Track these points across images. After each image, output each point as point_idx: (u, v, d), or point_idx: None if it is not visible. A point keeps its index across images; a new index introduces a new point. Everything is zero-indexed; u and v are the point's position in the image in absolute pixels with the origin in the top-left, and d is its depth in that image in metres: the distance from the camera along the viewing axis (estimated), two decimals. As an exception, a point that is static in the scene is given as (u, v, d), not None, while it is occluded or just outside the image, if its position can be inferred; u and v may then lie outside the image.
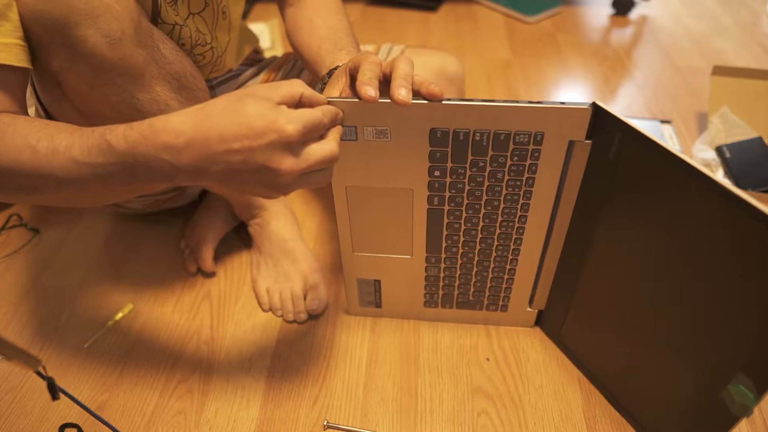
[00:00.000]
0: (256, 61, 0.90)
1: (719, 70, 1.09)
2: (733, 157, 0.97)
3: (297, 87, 0.47)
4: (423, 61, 0.82)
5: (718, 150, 1.00)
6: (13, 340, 0.75)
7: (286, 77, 0.90)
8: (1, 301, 0.80)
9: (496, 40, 1.48)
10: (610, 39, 1.49)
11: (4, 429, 0.65)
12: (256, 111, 0.43)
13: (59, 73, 0.54)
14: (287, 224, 0.83)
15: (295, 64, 0.91)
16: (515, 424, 0.65)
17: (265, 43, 1.40)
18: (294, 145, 0.44)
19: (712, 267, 0.47)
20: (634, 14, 1.60)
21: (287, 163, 0.44)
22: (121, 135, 0.43)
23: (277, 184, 0.45)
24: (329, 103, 0.52)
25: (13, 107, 0.52)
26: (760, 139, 0.99)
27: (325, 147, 0.46)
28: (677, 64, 1.36)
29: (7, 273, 0.85)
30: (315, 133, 0.46)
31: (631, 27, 1.54)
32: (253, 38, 0.91)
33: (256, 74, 0.88)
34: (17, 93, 0.52)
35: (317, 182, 0.48)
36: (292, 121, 0.43)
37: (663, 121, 1.14)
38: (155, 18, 0.63)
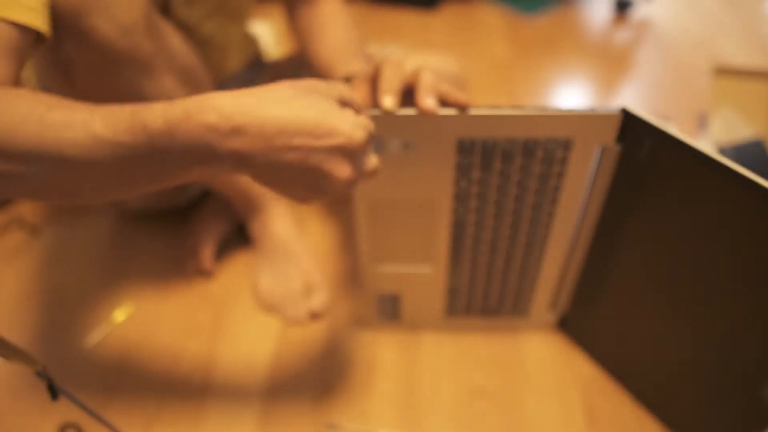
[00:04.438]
0: (258, 65, 0.90)
1: (719, 70, 1.10)
2: (733, 157, 0.97)
3: (346, 91, 0.44)
4: (423, 62, 0.82)
5: (719, 150, 1.00)
6: (13, 341, 0.75)
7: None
8: (1, 301, 0.80)
9: (496, 40, 1.48)
10: (610, 39, 1.48)
11: (4, 429, 0.65)
12: (323, 108, 0.39)
13: (69, 62, 0.55)
14: (288, 224, 0.83)
15: (295, 68, 0.91)
16: (515, 424, 0.65)
17: (265, 43, 1.40)
18: (356, 153, 0.41)
19: (750, 267, 0.47)
20: (634, 14, 1.60)
21: (345, 170, 0.41)
22: (159, 114, 0.38)
23: (324, 190, 0.43)
24: None
25: (8, 79, 0.44)
26: (760, 140, 0.99)
27: (374, 160, 0.45)
28: (677, 64, 1.36)
29: (7, 273, 0.85)
30: (371, 143, 0.44)
31: (631, 27, 1.54)
32: (254, 41, 0.92)
33: (258, 78, 0.88)
34: (19, 64, 0.46)
35: (347, 191, 0.46)
36: (360, 128, 0.41)
37: (663, 122, 1.14)
38: (165, 15, 0.64)
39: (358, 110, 0.46)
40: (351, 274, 0.83)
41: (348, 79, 0.61)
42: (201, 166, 0.40)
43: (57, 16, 0.49)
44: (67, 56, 0.54)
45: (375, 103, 0.54)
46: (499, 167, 0.56)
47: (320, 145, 0.39)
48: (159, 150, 0.39)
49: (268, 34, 1.44)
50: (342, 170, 0.41)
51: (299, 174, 0.41)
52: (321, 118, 0.39)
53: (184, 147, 0.38)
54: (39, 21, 0.45)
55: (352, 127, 0.40)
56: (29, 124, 0.38)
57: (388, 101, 0.50)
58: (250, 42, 0.89)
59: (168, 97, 0.61)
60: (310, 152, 0.40)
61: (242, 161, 0.40)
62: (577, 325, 0.71)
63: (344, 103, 0.44)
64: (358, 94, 0.56)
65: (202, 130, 0.38)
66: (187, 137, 0.38)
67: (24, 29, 0.44)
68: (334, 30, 0.72)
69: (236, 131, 0.38)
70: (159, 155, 0.39)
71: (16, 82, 0.45)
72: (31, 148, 0.38)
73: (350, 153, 0.41)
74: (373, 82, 0.54)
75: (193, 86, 0.64)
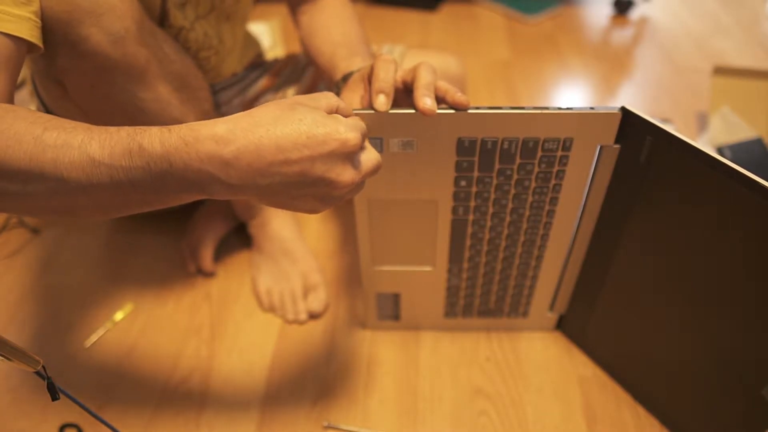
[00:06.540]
0: (258, 65, 0.90)
1: (719, 70, 1.10)
2: (734, 157, 0.97)
3: (333, 99, 0.45)
4: (423, 59, 0.82)
5: (719, 150, 1.00)
6: (13, 341, 0.75)
7: (287, 81, 0.90)
8: (2, 301, 0.80)
9: (496, 40, 1.48)
10: (610, 39, 1.49)
11: (4, 429, 0.65)
12: (313, 119, 0.40)
13: (62, 72, 0.55)
14: (287, 224, 0.83)
15: (295, 67, 0.91)
16: (515, 424, 0.65)
17: (265, 43, 1.40)
18: (354, 155, 0.42)
19: (751, 268, 0.47)
20: (634, 14, 1.60)
21: (348, 174, 0.42)
22: (156, 138, 0.38)
23: (331, 197, 0.43)
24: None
25: (4, 93, 0.45)
26: (760, 139, 0.99)
27: (373, 156, 0.45)
28: (677, 64, 1.36)
29: (7, 273, 0.85)
30: (364, 142, 0.45)
31: (631, 27, 1.54)
32: (255, 42, 0.91)
33: (259, 78, 0.88)
34: (13, 77, 0.46)
35: (356, 193, 0.46)
36: (352, 130, 0.41)
37: (663, 121, 1.14)
38: (162, 22, 0.63)
39: (347, 114, 0.46)
40: (351, 274, 0.83)
41: (345, 78, 0.61)
42: (199, 193, 0.41)
43: (49, 26, 0.49)
44: (60, 66, 0.53)
45: (370, 102, 0.54)
46: (499, 166, 0.56)
47: (319, 154, 0.40)
48: (156, 174, 0.39)
49: (268, 34, 1.44)
50: (345, 174, 0.42)
51: (305, 187, 0.41)
52: (312, 128, 0.40)
53: (181, 175, 0.39)
54: (28, 32, 0.45)
55: (344, 129, 0.41)
56: (26, 144, 0.38)
57: (381, 101, 0.50)
58: (250, 42, 0.89)
59: (163, 103, 0.60)
60: (311, 163, 0.40)
61: (242, 186, 0.40)
62: (577, 325, 0.71)
63: (332, 111, 0.45)
64: (354, 93, 0.56)
65: (202, 159, 0.38)
66: (185, 166, 0.39)
67: (16, 39, 0.45)
68: (337, 25, 0.71)
69: (236, 157, 0.39)
70: (156, 179, 0.39)
71: (12, 95, 0.45)
72: (28, 167, 0.38)
73: (348, 156, 0.42)
74: (369, 81, 0.54)
75: (188, 92, 0.64)
